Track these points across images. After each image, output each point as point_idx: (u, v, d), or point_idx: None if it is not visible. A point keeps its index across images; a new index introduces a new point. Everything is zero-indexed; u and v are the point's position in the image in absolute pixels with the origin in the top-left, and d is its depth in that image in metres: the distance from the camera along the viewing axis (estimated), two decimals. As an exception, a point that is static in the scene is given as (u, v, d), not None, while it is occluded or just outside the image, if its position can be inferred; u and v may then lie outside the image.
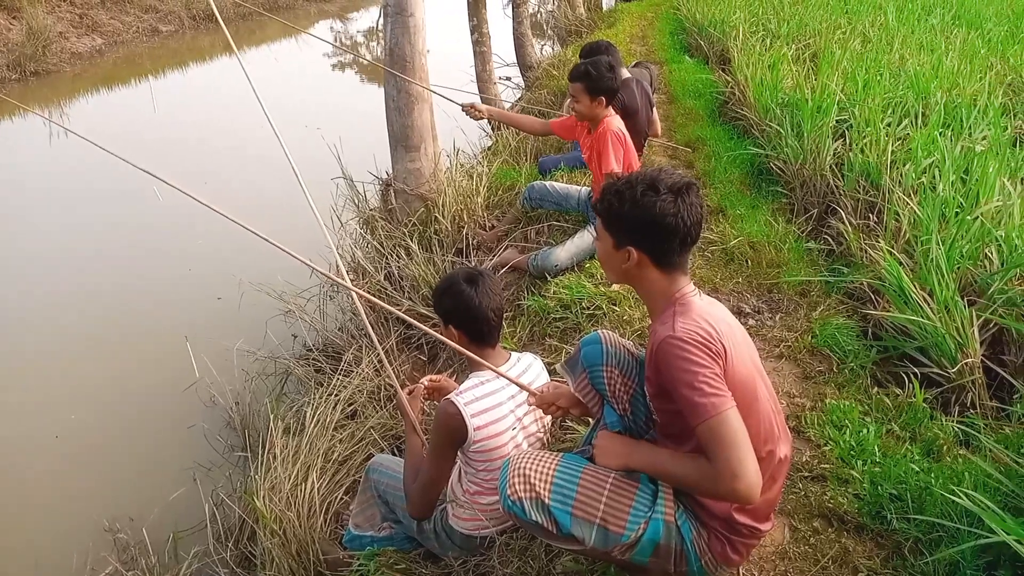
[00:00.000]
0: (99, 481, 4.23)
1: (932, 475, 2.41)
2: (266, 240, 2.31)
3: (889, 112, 5.28)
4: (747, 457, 1.71)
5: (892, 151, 4.61)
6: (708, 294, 2.96)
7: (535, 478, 1.98)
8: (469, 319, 2.52)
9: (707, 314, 1.87)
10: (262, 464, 3.58)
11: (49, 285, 6.31)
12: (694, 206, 1.89)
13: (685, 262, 1.95)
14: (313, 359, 4.78)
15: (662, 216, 1.86)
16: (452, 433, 2.45)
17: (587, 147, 4.23)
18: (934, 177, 4.28)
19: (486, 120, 4.91)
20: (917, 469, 2.45)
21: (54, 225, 7.49)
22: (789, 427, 2.25)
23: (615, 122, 4.09)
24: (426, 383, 2.87)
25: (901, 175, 4.38)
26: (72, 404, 4.79)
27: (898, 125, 5.07)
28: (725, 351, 1.80)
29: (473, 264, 4.95)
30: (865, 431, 2.70)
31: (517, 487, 1.98)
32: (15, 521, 3.98)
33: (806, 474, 2.57)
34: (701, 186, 5.32)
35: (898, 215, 4.01)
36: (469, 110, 4.81)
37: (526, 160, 6.43)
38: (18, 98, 11.49)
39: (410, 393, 2.83)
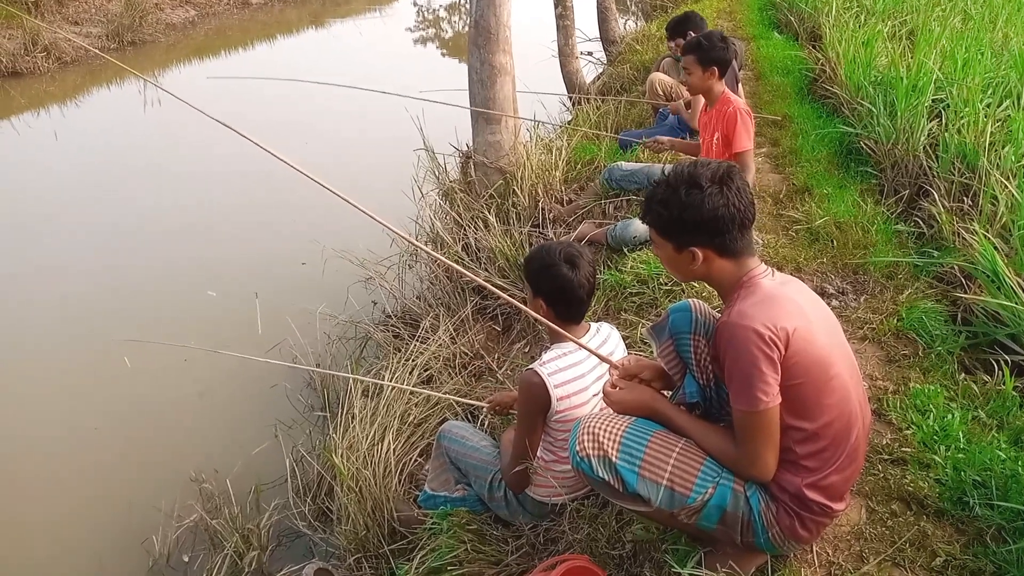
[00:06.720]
0: (187, 434, 4.43)
1: (1019, 463, 2.33)
2: (356, 207, 2.34)
3: (989, 92, 5.05)
4: (771, 453, 1.86)
5: (991, 133, 4.42)
6: (791, 274, 2.92)
7: (603, 437, 2.01)
8: (564, 300, 2.53)
9: (773, 297, 1.85)
10: (341, 424, 3.71)
11: (161, 250, 6.56)
12: (741, 190, 1.89)
13: (750, 242, 1.94)
14: (392, 325, 4.90)
15: (714, 210, 1.87)
16: (536, 401, 2.48)
17: (706, 124, 4.17)
18: (1035, 160, 4.11)
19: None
20: (1004, 457, 2.38)
21: (154, 192, 7.80)
22: (871, 409, 2.20)
23: (740, 101, 4.05)
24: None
25: (1000, 157, 4.20)
26: (168, 361, 4.99)
27: (998, 106, 4.84)
28: (787, 335, 1.78)
29: (551, 237, 4.96)
30: (950, 416, 2.63)
31: (586, 444, 2.02)
32: (111, 468, 4.21)
33: (886, 456, 2.52)
34: (787, 164, 5.21)
35: (995, 198, 3.86)
36: (653, 145, 4.80)
37: (606, 134, 6.39)
38: (116, 67, 11.98)
39: None
